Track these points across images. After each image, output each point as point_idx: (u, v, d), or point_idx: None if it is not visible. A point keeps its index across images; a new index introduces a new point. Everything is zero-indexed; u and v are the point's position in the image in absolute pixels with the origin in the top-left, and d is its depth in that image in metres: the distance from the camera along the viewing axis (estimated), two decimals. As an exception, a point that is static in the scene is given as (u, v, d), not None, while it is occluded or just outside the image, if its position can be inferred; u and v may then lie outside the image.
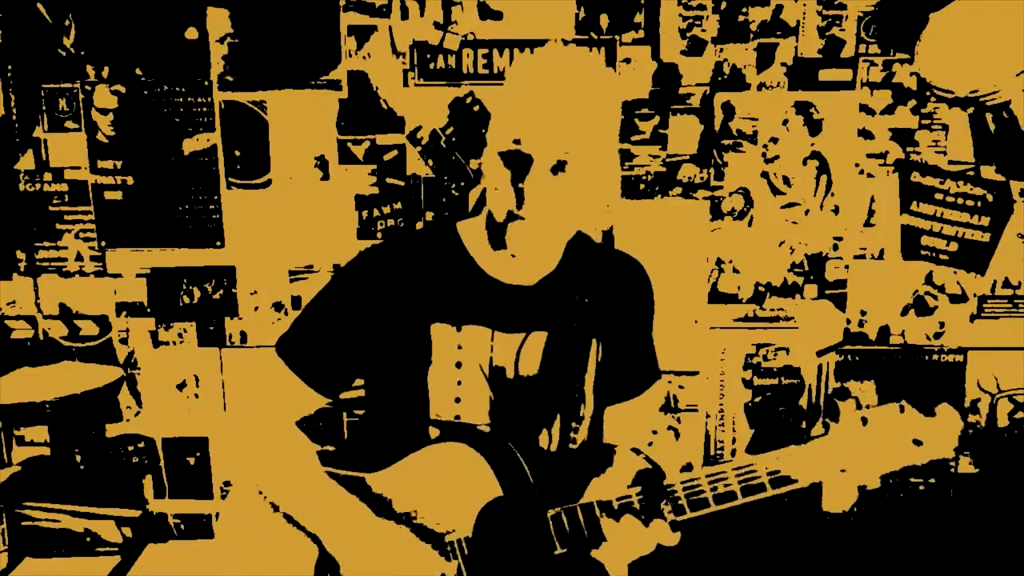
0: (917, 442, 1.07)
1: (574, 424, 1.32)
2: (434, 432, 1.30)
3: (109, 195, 2.22)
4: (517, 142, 1.18)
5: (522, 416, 1.30)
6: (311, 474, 1.26)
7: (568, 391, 1.32)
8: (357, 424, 2.29)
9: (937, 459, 1.08)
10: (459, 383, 1.28)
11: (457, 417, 1.29)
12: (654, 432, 1.33)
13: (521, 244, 1.27)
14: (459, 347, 1.28)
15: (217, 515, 2.36)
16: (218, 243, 2.24)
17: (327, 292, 1.34)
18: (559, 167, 1.18)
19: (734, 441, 2.33)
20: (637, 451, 1.29)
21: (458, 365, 1.28)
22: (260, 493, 1.29)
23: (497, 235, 1.28)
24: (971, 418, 2.29)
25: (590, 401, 1.34)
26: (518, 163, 1.18)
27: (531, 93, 1.18)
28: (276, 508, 1.26)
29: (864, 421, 1.09)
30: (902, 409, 1.09)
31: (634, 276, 1.41)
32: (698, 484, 1.13)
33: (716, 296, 2.27)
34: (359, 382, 1.39)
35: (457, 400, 1.28)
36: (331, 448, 1.45)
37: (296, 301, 2.27)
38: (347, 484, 1.26)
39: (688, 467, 1.19)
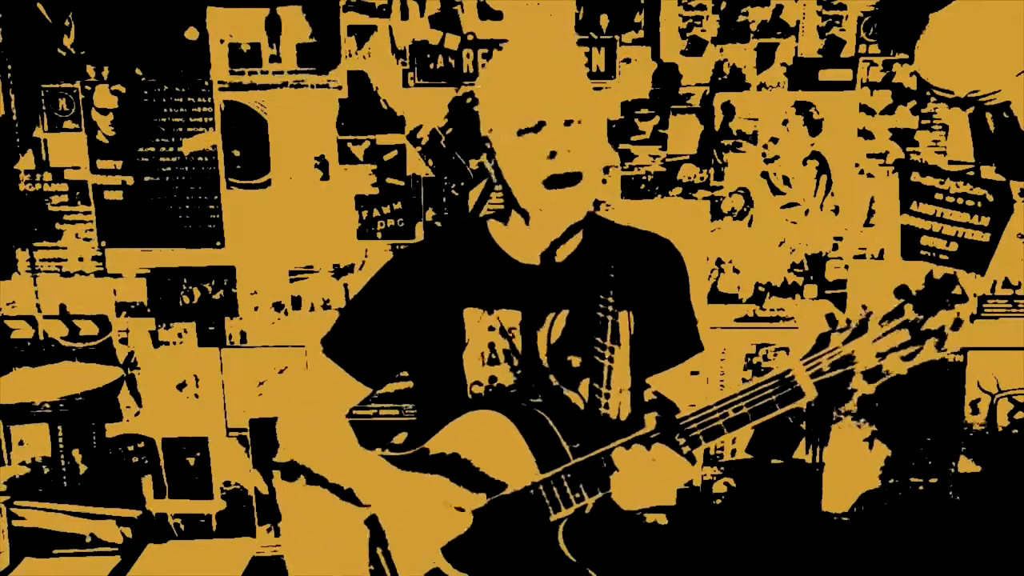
0: (917, 340, 1.10)
1: (602, 388, 1.37)
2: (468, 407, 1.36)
3: (109, 195, 2.22)
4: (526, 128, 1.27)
5: (552, 384, 1.37)
6: (357, 452, 1.37)
7: (594, 358, 1.37)
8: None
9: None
10: (493, 362, 1.36)
11: (489, 389, 1.36)
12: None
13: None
14: (490, 328, 1.36)
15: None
16: (218, 243, 2.24)
17: (367, 290, 1.43)
18: (568, 123, 1.26)
19: (734, 441, 2.32)
20: (646, 384, 1.36)
21: (491, 346, 1.36)
22: (307, 478, 1.36)
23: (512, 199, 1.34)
24: (971, 418, 2.29)
25: (626, 372, 1.39)
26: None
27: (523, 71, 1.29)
28: (325, 484, 1.34)
29: (864, 323, 1.12)
30: (902, 311, 1.11)
31: (665, 251, 1.47)
32: (710, 412, 1.16)
33: (716, 296, 2.27)
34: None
35: (492, 379, 1.36)
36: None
37: (296, 301, 2.27)
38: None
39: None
